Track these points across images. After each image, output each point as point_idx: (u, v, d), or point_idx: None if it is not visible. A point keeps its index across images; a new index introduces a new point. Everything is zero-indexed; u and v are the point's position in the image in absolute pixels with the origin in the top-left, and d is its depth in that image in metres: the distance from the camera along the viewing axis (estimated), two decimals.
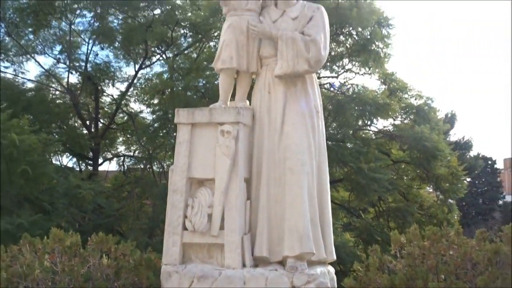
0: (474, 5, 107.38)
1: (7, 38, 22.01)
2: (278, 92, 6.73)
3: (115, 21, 22.89)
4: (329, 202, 6.87)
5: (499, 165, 51.76)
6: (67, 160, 24.36)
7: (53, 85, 24.21)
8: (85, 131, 23.78)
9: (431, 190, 24.79)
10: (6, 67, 22.57)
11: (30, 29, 21.97)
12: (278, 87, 6.75)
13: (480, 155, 48.11)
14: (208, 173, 6.49)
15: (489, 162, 48.43)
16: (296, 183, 6.37)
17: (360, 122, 22.69)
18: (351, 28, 20.72)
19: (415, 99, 23.12)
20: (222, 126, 6.45)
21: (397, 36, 21.98)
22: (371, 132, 23.31)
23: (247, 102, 7.15)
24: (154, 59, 23.44)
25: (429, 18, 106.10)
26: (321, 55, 6.60)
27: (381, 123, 22.80)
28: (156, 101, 22.25)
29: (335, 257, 6.84)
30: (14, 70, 22.71)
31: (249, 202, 6.58)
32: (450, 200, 22.60)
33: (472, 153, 48.82)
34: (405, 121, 22.55)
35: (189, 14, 22.56)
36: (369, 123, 22.62)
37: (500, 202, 47.44)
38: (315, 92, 6.92)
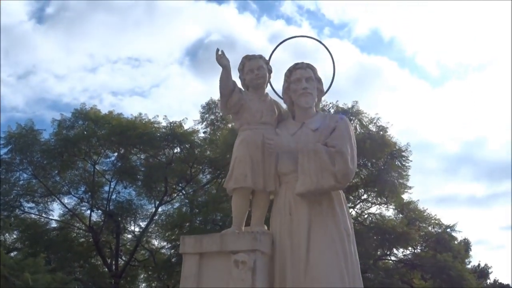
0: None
1: (33, 180, 21.21)
2: (301, 213, 5.28)
3: (137, 161, 22.19)
4: None
5: None
6: None
7: (77, 225, 23.02)
8: (106, 269, 22.20)
9: None
10: (31, 208, 21.56)
11: (56, 171, 21.22)
12: (301, 207, 5.31)
13: (497, 282, 44.97)
14: None
15: None
16: None
17: (378, 252, 20.94)
18: (365, 160, 19.60)
19: (433, 227, 21.52)
20: (236, 255, 4.93)
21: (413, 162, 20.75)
22: (391, 261, 21.41)
23: (265, 226, 5.67)
24: (174, 195, 22.37)
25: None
26: (348, 168, 5.24)
27: (401, 252, 21.05)
28: (175, 235, 20.84)
29: None
30: (38, 210, 21.62)
31: None
32: None
33: (489, 280, 45.74)
34: (426, 250, 20.73)
35: (208, 152, 21.82)
36: (388, 252, 20.83)
37: None
38: (344, 211, 5.45)
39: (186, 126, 21.47)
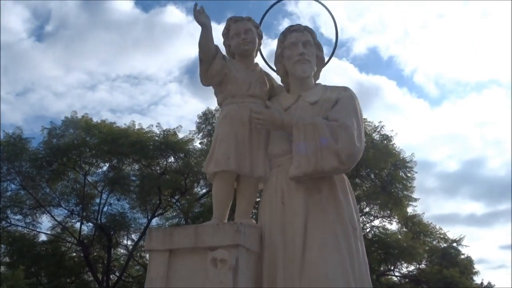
0: None
1: (21, 191, 20.09)
2: (296, 202, 4.23)
3: (130, 171, 21.07)
4: None
5: None
6: None
7: (68, 238, 21.82)
8: (97, 286, 20.96)
9: None
10: (18, 220, 20.38)
11: (45, 182, 20.09)
12: (296, 195, 4.25)
13: None
14: None
15: None
16: None
17: (382, 267, 19.83)
18: (368, 170, 18.50)
19: (438, 242, 20.41)
20: (213, 252, 3.88)
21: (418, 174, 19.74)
22: (395, 277, 20.25)
23: (253, 220, 4.60)
24: (168, 207, 21.21)
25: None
26: (355, 146, 4.19)
27: (405, 267, 19.94)
28: None
29: None
30: (26, 223, 20.43)
31: None
32: None
33: None
34: (431, 265, 19.59)
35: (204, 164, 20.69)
36: (392, 267, 19.70)
37: None
38: (349, 201, 4.38)
39: (180, 135, 20.41)
